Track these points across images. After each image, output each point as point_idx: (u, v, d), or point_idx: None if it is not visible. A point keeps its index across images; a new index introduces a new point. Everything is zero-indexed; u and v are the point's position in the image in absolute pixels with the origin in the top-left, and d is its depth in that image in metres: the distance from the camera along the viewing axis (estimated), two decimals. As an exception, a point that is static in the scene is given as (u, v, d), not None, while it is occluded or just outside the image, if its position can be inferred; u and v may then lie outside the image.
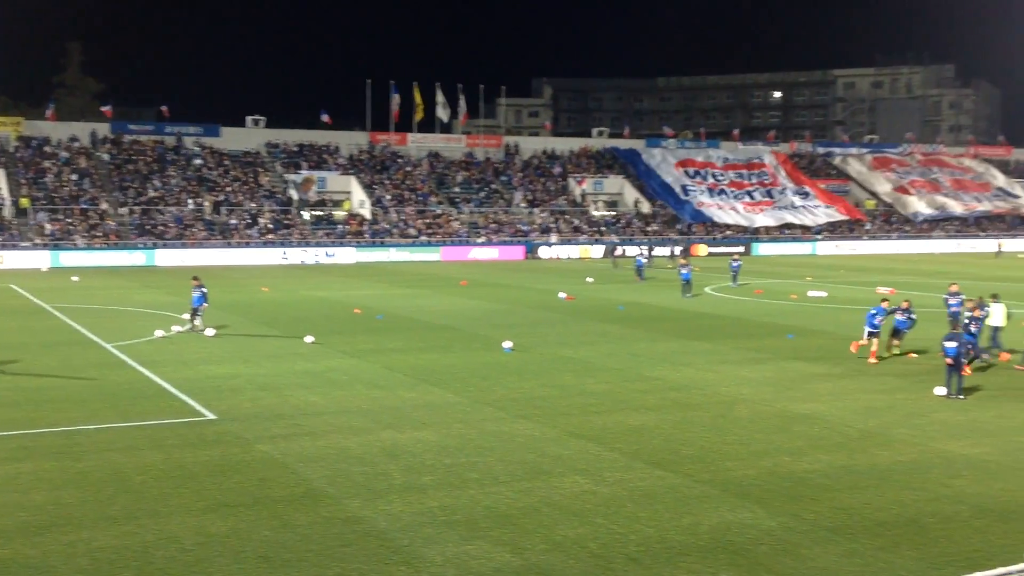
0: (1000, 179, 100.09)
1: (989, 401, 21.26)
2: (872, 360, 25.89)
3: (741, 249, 77.24)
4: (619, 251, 70.35)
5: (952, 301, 27.54)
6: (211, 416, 19.48)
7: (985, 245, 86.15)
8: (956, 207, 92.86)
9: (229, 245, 68.30)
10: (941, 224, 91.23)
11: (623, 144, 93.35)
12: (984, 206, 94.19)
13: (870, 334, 26.11)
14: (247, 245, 68.64)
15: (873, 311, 26.41)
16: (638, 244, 71.90)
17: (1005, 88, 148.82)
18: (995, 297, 27.14)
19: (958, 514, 13.69)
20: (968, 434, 18.25)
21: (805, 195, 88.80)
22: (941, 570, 11.32)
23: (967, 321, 25.01)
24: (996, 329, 26.27)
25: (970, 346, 23.58)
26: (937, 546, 12.45)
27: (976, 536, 12.82)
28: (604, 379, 23.58)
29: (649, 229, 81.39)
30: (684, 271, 44.14)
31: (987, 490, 14.77)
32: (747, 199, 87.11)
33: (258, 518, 13.39)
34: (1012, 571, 5.99)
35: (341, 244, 70.89)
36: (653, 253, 63.86)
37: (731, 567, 11.76)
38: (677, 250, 70.05)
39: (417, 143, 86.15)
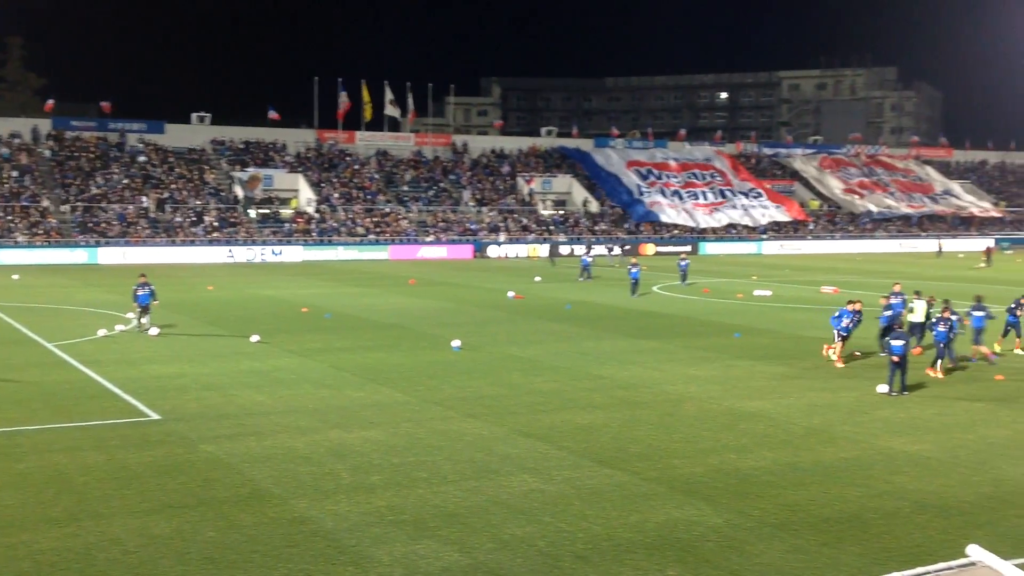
0: (941, 180, 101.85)
1: (930, 399, 21.62)
2: (839, 364, 25.52)
3: (688, 248, 77.85)
4: (558, 250, 70.45)
5: (894, 301, 27.90)
6: (155, 416, 19.23)
7: (926, 245, 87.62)
8: (899, 207, 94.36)
9: (174, 243, 67.52)
10: (883, 224, 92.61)
11: (572, 144, 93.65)
12: (926, 207, 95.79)
13: (841, 337, 25.71)
14: (192, 243, 67.90)
15: (837, 314, 26.06)
16: (583, 243, 72.08)
17: (946, 91, 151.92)
18: (918, 294, 27.95)
19: (900, 510, 13.90)
20: (909, 431, 18.54)
21: (756, 196, 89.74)
22: (883, 565, 11.48)
23: (934, 321, 24.90)
24: (915, 325, 26.92)
25: (942, 344, 23.94)
26: (879, 541, 12.64)
27: (917, 531, 13.04)
28: (552, 378, 23.64)
29: (597, 228, 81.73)
30: (633, 270, 44.39)
31: (928, 486, 15.01)
32: (700, 200, 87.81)
33: (203, 519, 13.24)
34: (952, 565, 6.08)
35: (288, 242, 70.37)
36: (592, 252, 63.86)
37: (678, 564, 11.84)
38: (617, 249, 70.27)
39: (365, 141, 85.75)
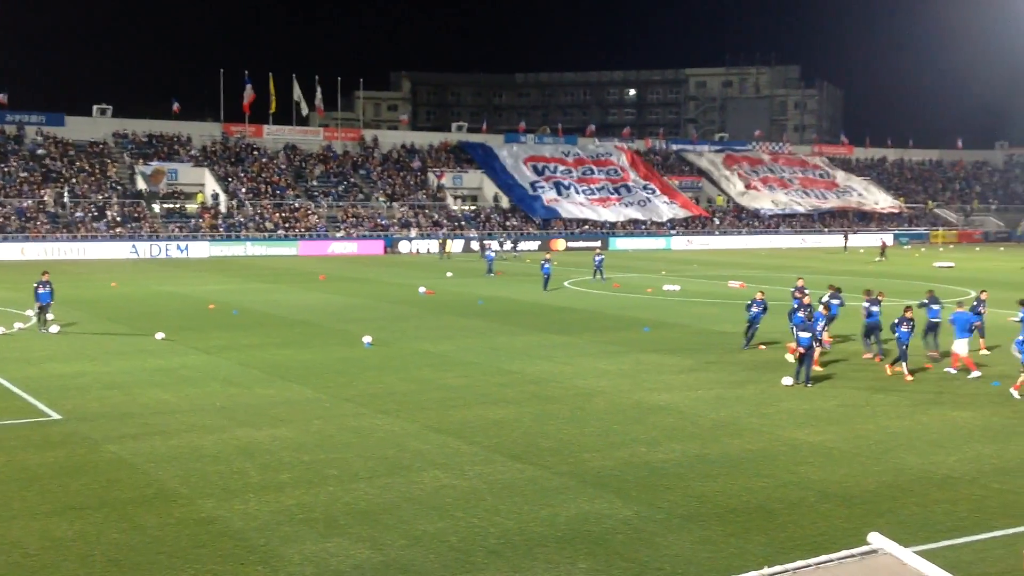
0: (843, 177, 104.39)
1: (832, 390, 22.15)
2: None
3: (599, 244, 78.51)
4: (449, 244, 70.63)
5: (798, 295, 28.33)
6: (56, 416, 18.73)
7: (829, 240, 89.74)
8: (803, 203, 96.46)
9: (75, 239, 65.77)
10: (787, 220, 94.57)
11: (479, 139, 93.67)
12: (829, 203, 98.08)
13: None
14: (94, 239, 66.25)
15: (794, 306, 25.76)
16: (476, 239, 72.13)
17: (847, 89, 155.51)
18: (868, 292, 27.83)
19: (804, 500, 14.22)
20: (813, 422, 18.98)
21: (653, 192, 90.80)
22: (789, 554, 11.71)
23: (896, 322, 23.70)
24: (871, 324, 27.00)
25: (904, 346, 23.20)
26: (785, 531, 12.92)
27: (821, 520, 13.35)
28: (464, 373, 23.63)
29: (508, 224, 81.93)
30: (545, 266, 44.59)
31: (831, 476, 15.38)
32: (594, 195, 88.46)
33: (107, 520, 12.94)
34: (854, 553, 6.23)
35: (194, 238, 69.10)
36: (488, 245, 63.94)
37: (588, 557, 11.93)
38: (508, 244, 70.15)
39: (273, 135, 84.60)
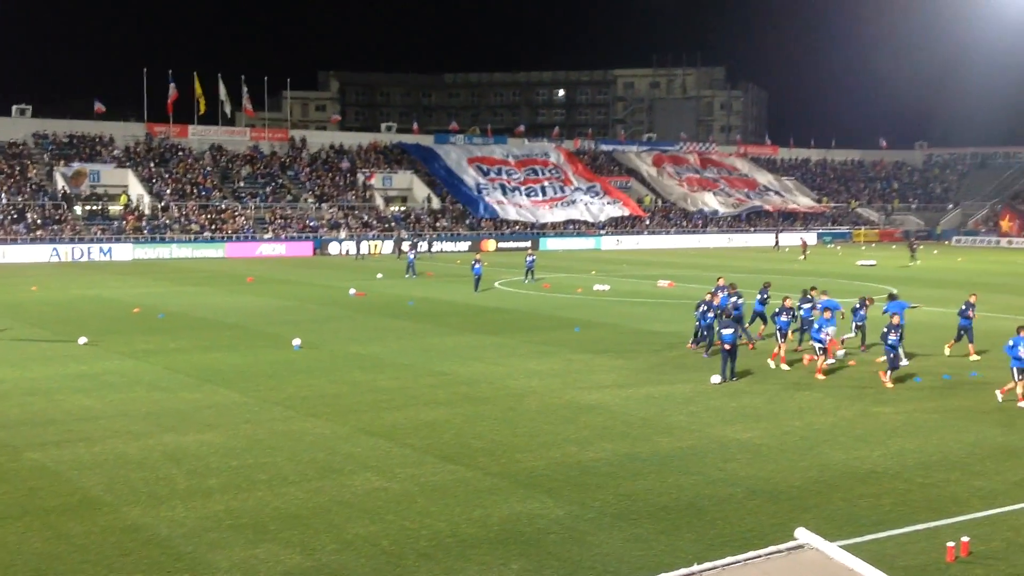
0: (768, 177, 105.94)
1: (759, 388, 22.47)
2: (783, 366, 24.84)
3: (529, 244, 78.68)
4: (365, 246, 70.33)
5: (721, 295, 28.61)
6: (-26, 424, 18.24)
7: (755, 240, 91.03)
8: (730, 203, 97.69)
9: (-7, 241, 64.14)
10: (715, 219, 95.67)
11: (413, 140, 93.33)
12: (755, 202, 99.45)
13: (783, 336, 25.27)
14: (14, 242, 64.62)
15: (776, 311, 25.88)
16: (408, 239, 71.71)
17: (771, 91, 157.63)
18: (813, 289, 28.44)
19: (732, 496, 14.40)
20: (741, 419, 19.24)
21: (595, 192, 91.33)
22: (718, 550, 11.85)
23: (885, 331, 22.98)
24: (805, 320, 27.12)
25: (892, 354, 22.73)
26: (714, 528, 13.07)
27: (749, 516, 13.53)
28: (395, 375, 23.53)
29: (439, 224, 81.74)
30: (476, 266, 44.57)
31: (759, 472, 15.60)
32: (539, 196, 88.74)
33: (29, 530, 12.65)
34: (782, 548, 6.32)
35: (118, 240, 67.75)
36: (419, 248, 63.59)
37: (521, 557, 11.95)
38: (422, 246, 69.41)
39: (199, 136, 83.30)
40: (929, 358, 26.22)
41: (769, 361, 25.10)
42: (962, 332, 26.51)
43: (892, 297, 27.93)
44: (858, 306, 27.33)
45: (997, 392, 21.10)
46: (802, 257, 68.01)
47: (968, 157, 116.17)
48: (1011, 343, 20.78)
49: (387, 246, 73.29)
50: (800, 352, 26.39)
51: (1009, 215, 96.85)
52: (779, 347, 25.18)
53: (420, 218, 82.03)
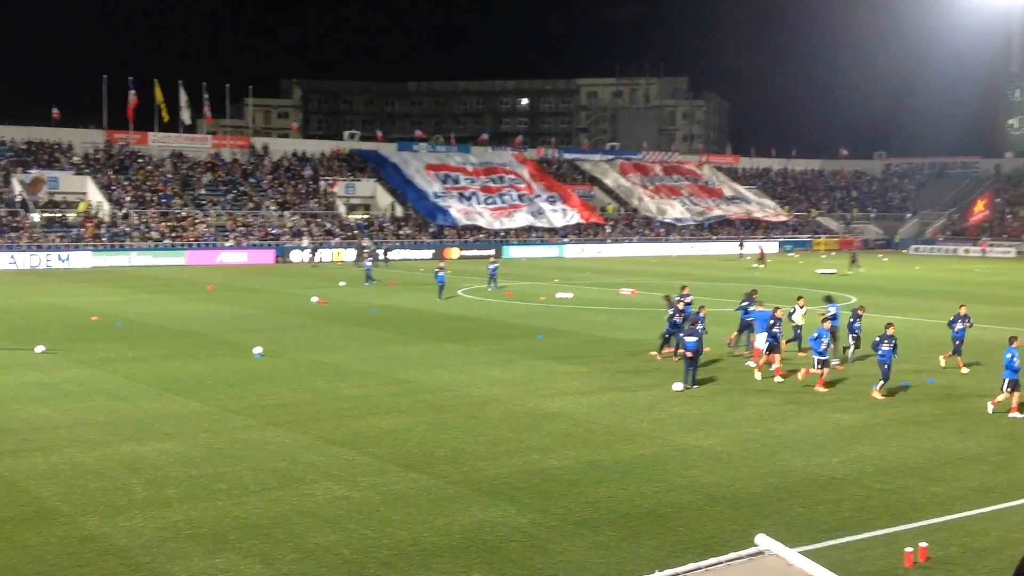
0: (731, 186, 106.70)
1: (721, 395, 22.59)
2: (777, 377, 24.37)
3: (493, 252, 78.72)
4: (317, 253, 70.36)
5: (686, 302, 28.72)
6: (-72, 434, 17.95)
7: (717, 248, 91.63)
8: (694, 212, 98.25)
9: (-51, 249, 63.21)
10: (678, 228, 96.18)
11: (374, 147, 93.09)
12: (718, 211, 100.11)
13: (771, 347, 24.80)
14: (-30, 249, 63.75)
15: (771, 322, 25.19)
16: (370, 247, 71.58)
17: (733, 101, 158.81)
18: (800, 298, 28.42)
19: (694, 503, 14.46)
20: (702, 426, 19.32)
21: (555, 200, 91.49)
22: (680, 557, 11.90)
23: (878, 340, 22.67)
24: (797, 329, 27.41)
25: (886, 365, 22.43)
26: (676, 534, 13.12)
27: (710, 523, 13.59)
28: (357, 383, 23.43)
29: (402, 232, 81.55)
30: (439, 274, 44.49)
31: (720, 479, 15.68)
32: (498, 204, 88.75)
33: (-17, 542, 12.44)
34: (742, 555, 6.35)
35: (76, 248, 67.03)
36: (378, 255, 63.37)
37: (483, 565, 11.93)
38: (382, 252, 69.27)
39: (159, 143, 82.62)
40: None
41: (756, 373, 24.74)
42: (958, 343, 26.24)
43: (829, 299, 28.17)
44: (852, 319, 26.87)
45: (988, 403, 20.95)
46: (762, 265, 68.51)
47: (926, 167, 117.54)
48: (1008, 355, 20.65)
49: (349, 254, 73.04)
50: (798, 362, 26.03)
51: (987, 201, 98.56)
52: (771, 358, 24.75)
53: (383, 226, 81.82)
